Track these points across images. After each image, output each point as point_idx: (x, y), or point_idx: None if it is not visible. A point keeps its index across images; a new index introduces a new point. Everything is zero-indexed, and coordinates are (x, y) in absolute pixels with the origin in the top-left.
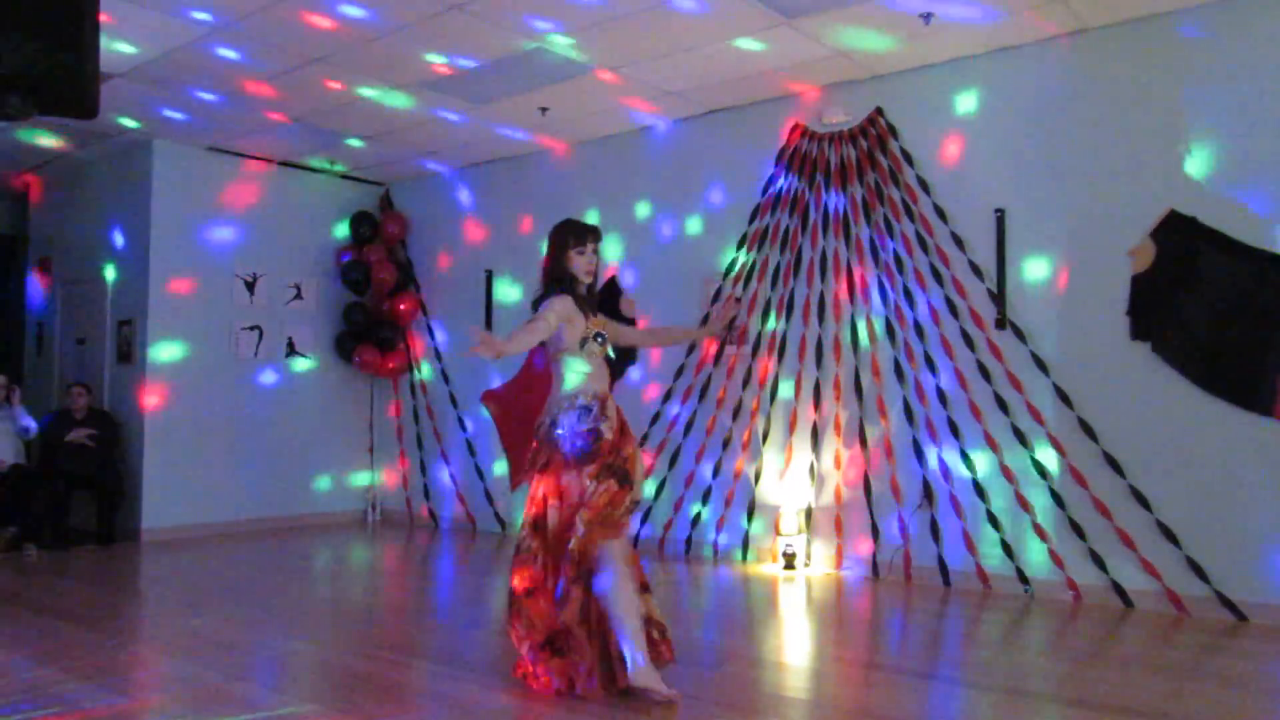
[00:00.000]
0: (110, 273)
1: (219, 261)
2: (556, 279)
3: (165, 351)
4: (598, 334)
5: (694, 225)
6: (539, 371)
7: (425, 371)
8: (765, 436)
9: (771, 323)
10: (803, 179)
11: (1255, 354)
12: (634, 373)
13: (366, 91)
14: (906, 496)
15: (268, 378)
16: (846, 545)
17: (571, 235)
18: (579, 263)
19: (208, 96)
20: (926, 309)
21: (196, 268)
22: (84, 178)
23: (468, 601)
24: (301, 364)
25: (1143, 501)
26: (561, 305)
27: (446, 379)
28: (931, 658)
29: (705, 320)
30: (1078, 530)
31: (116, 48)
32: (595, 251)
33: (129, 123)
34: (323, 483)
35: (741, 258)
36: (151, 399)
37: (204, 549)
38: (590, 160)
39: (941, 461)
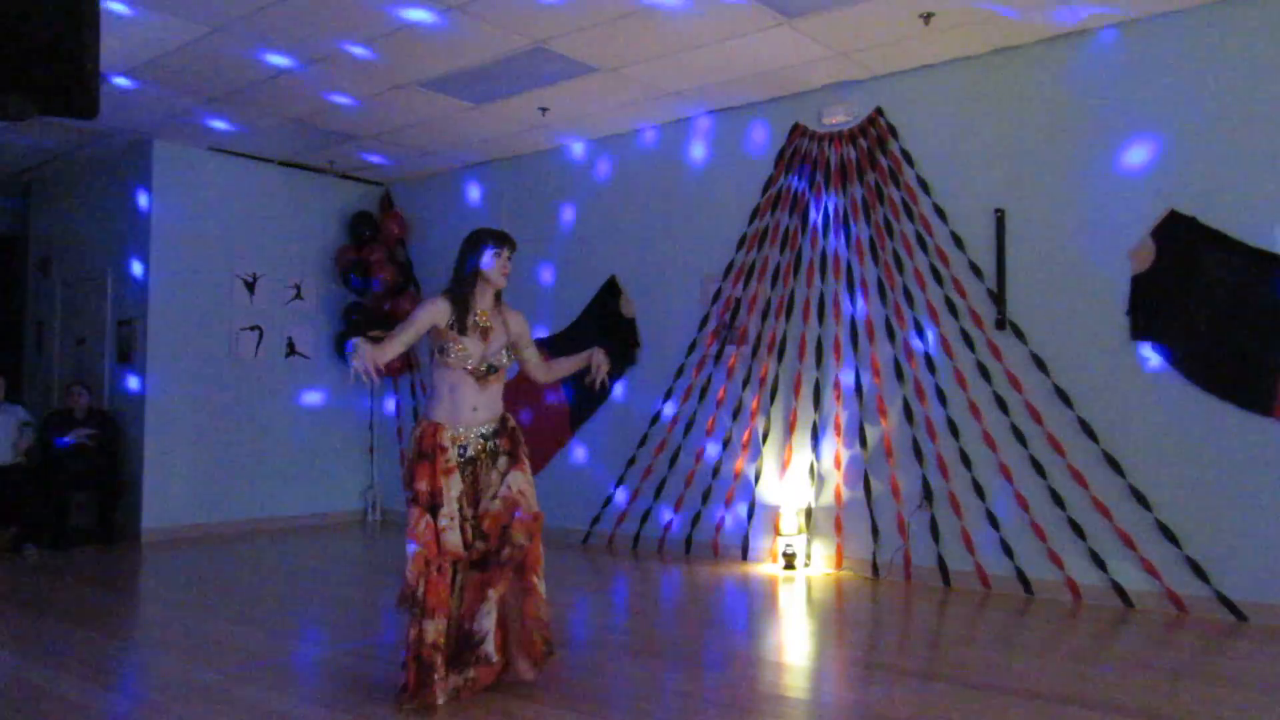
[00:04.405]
0: (110, 273)
1: (219, 261)
2: (460, 278)
3: (165, 351)
4: (443, 345)
5: (694, 225)
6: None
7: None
8: (765, 436)
9: (771, 323)
10: (803, 179)
11: (1255, 354)
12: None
13: (366, 91)
14: (906, 496)
15: (268, 378)
16: (846, 545)
17: (491, 237)
18: (495, 264)
19: (208, 96)
20: (926, 309)
21: (196, 268)
22: (84, 178)
23: None
24: (301, 364)
25: (1143, 501)
26: (433, 308)
27: None
28: (931, 658)
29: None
30: (1078, 530)
31: (116, 48)
32: (509, 259)
33: (129, 123)
34: (323, 483)
35: (741, 258)
36: (151, 399)
37: (204, 549)
38: (590, 160)
39: (941, 461)
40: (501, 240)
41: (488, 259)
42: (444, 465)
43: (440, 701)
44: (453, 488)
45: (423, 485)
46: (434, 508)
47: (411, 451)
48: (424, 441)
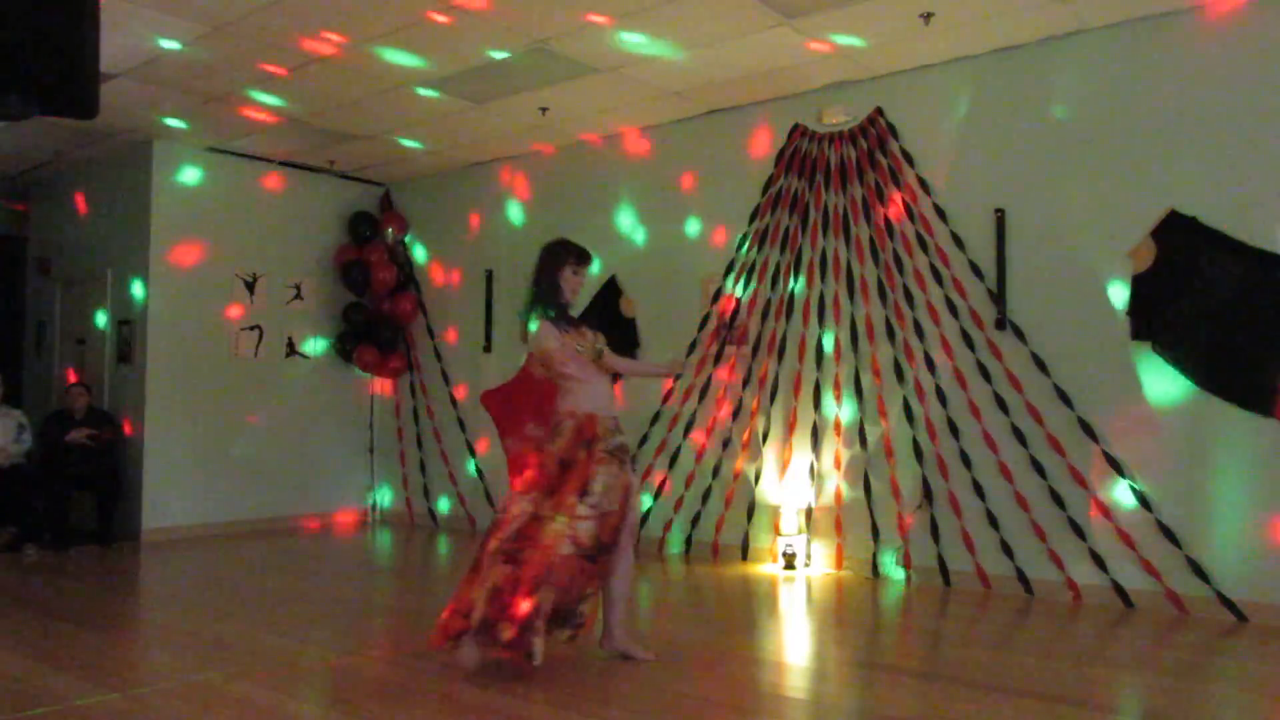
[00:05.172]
0: (110, 273)
1: (219, 261)
2: (545, 295)
3: (165, 352)
4: (576, 346)
5: (694, 225)
6: (537, 376)
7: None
8: (765, 436)
9: (771, 323)
10: (803, 179)
11: (1255, 354)
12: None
13: (366, 91)
14: (906, 496)
15: (267, 378)
16: (846, 545)
17: (572, 255)
18: (571, 283)
19: (207, 97)
20: (926, 309)
21: (196, 268)
22: (84, 178)
23: None
24: (301, 364)
25: (1143, 501)
26: (553, 328)
27: (446, 379)
28: (931, 658)
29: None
30: (1078, 530)
31: (117, 48)
32: (585, 275)
33: (129, 123)
34: (323, 483)
35: (741, 258)
36: (151, 399)
37: (204, 549)
38: (590, 160)
39: (941, 461)
40: (582, 259)
41: (567, 274)
42: (599, 454)
43: (537, 664)
44: (600, 477)
45: (575, 483)
46: (581, 494)
47: (565, 440)
48: (584, 431)
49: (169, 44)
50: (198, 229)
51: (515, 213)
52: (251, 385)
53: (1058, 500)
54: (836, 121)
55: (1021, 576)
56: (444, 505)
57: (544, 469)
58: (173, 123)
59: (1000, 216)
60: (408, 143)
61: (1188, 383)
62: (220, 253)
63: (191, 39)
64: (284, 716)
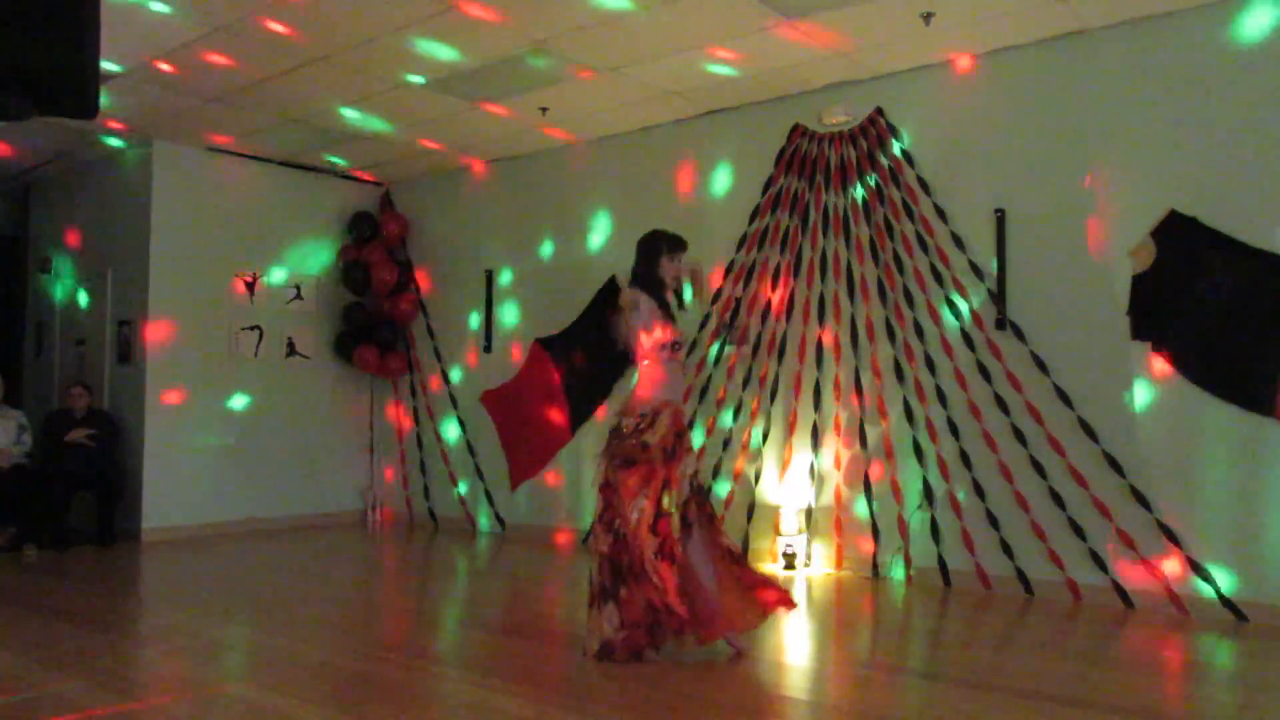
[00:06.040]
0: (110, 273)
1: (219, 261)
2: (648, 286)
3: (165, 351)
4: (675, 342)
5: (694, 226)
6: (537, 376)
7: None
8: (765, 436)
9: (771, 323)
10: (803, 179)
11: (1255, 354)
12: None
13: (366, 91)
14: (906, 496)
15: (267, 378)
16: (846, 545)
17: (666, 243)
18: (670, 270)
19: (207, 97)
20: (926, 309)
21: (196, 268)
22: (84, 178)
23: (467, 601)
24: (301, 364)
25: (1143, 501)
26: (649, 300)
27: (446, 379)
28: (931, 658)
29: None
30: (1078, 530)
31: (117, 47)
32: (681, 260)
33: (129, 123)
34: (323, 483)
35: (741, 258)
36: (151, 399)
37: (204, 549)
38: (590, 160)
39: (941, 461)
40: (676, 245)
41: (664, 262)
42: (689, 443)
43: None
44: (690, 468)
45: (677, 471)
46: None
47: (664, 430)
48: (677, 423)
49: (168, 43)
50: (198, 229)
51: (516, 213)
52: (251, 385)
53: (1058, 500)
54: (836, 121)
55: (1021, 576)
56: (444, 505)
57: (651, 463)
58: (173, 123)
59: (1000, 216)
60: (408, 143)
61: (1188, 383)
62: (220, 253)
63: (192, 39)
64: (284, 716)
